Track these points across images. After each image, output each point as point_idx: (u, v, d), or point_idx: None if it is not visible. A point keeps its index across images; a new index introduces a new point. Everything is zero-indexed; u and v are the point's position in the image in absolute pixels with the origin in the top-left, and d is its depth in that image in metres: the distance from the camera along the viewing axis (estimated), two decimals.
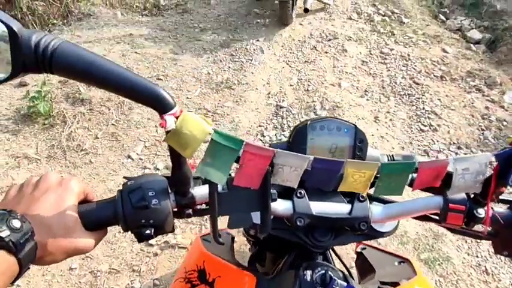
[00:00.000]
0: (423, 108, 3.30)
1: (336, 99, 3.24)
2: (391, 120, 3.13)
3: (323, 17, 4.53)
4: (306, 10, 4.26)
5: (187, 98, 3.22)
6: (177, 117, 0.49)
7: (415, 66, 3.84)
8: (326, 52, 3.90)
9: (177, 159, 0.55)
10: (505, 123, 3.19)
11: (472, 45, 4.39)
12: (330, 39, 4.10)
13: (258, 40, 3.98)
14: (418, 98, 3.39)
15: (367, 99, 3.32)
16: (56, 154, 2.62)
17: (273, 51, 3.87)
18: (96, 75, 0.47)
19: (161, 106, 0.49)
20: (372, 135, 2.93)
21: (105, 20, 4.14)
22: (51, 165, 2.56)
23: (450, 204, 0.62)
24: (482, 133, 3.09)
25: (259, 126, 2.98)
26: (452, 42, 4.35)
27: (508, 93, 3.72)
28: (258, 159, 0.51)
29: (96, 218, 0.55)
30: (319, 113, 3.09)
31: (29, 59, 0.44)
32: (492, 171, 0.56)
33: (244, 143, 0.49)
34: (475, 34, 4.71)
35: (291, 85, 3.44)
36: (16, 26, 0.43)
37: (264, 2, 4.49)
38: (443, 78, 3.74)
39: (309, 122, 0.71)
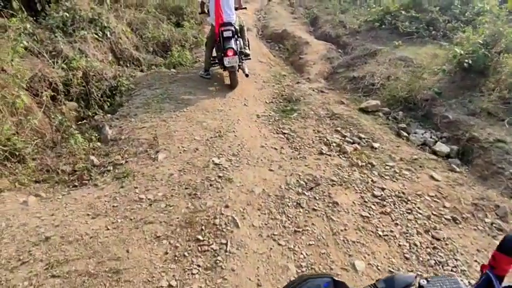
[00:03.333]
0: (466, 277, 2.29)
1: None
2: None
3: (292, 155, 3.61)
4: (247, 75, 5.17)
5: None
6: None
7: (420, 209, 2.94)
8: (314, 209, 2.86)
9: None
10: None
11: (453, 165, 3.74)
12: (311, 188, 3.11)
13: (227, 206, 2.83)
14: (454, 266, 2.40)
15: None
16: None
17: (249, 220, 2.72)
18: None
19: None
20: None
21: (10, 214, 2.70)
22: None
23: None
24: None
25: None
26: (433, 165, 3.65)
27: None
28: None
29: None
30: None
31: None
32: None
33: None
34: (443, 147, 4.14)
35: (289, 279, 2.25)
36: None
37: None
38: (456, 221, 2.87)
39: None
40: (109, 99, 5.11)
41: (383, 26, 7.40)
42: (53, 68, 4.94)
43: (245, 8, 5.60)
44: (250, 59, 5.41)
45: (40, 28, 5.51)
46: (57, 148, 3.68)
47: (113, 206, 2.77)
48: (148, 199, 2.87)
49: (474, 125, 4.26)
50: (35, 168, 3.26)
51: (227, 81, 5.12)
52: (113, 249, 2.37)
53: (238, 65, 4.87)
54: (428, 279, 0.70)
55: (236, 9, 5.05)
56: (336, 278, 0.67)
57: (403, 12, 7.21)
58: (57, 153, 3.58)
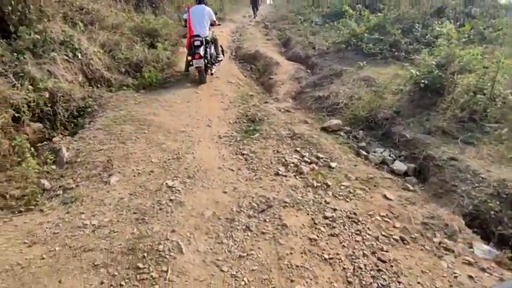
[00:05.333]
0: None
1: None
2: None
3: (248, 177, 3.52)
4: (212, 74, 6.43)
5: None
6: None
7: (369, 230, 2.87)
8: (263, 233, 2.75)
9: None
10: None
11: (407, 184, 3.72)
12: (263, 210, 3.02)
13: (173, 231, 2.70)
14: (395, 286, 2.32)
15: None
16: None
17: (195, 245, 2.59)
18: None
19: None
20: None
21: None
22: None
23: None
24: None
25: None
26: (388, 184, 3.62)
27: (475, 246, 2.90)
28: None
29: None
30: None
31: None
32: None
33: None
34: (400, 166, 4.14)
35: None
36: None
37: None
38: (404, 241, 2.80)
39: None
40: (75, 120, 4.98)
41: (349, 48, 7.54)
42: (17, 89, 4.80)
43: (219, 24, 6.96)
44: (221, 60, 6.86)
45: (10, 50, 5.38)
46: (10, 171, 3.50)
47: (54, 233, 2.61)
48: (93, 225, 2.72)
49: (430, 143, 4.28)
50: None
51: (197, 77, 6.22)
52: (43, 280, 2.20)
53: (208, 67, 6.22)
54: None
55: (212, 25, 6.37)
56: None
57: (366, 35, 7.37)
58: (8, 176, 3.39)
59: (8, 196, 3.12)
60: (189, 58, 6.21)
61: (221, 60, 6.82)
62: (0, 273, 2.21)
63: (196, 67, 6.00)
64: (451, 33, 6.25)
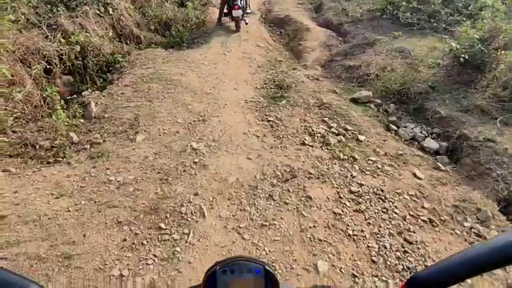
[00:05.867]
0: None
1: None
2: None
3: (273, 144, 3.29)
4: (246, 24, 6.65)
5: None
6: None
7: (396, 209, 2.63)
8: (286, 203, 2.57)
9: None
10: None
11: (438, 163, 3.39)
12: (287, 180, 2.82)
13: (196, 194, 2.56)
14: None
15: None
16: None
17: (217, 210, 2.45)
18: None
19: None
20: None
21: None
22: None
23: None
24: None
25: None
26: (418, 162, 3.31)
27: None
28: None
29: None
30: None
31: None
32: None
33: None
34: (432, 143, 3.78)
35: None
36: None
37: None
38: (433, 223, 2.56)
39: (218, 267, 0.58)
40: (104, 75, 4.82)
41: (384, 16, 6.82)
42: (50, 41, 4.65)
43: None
44: (251, 12, 7.39)
45: (44, 2, 5.17)
46: (40, 122, 3.42)
47: (80, 187, 2.53)
48: (118, 181, 2.61)
49: (466, 122, 3.86)
50: (12, 141, 3.01)
51: (233, 28, 6.44)
52: (69, 232, 2.14)
53: (242, 17, 6.41)
54: None
55: None
56: (268, 268, 0.59)
57: (404, 3, 6.61)
58: (39, 127, 3.33)
59: (38, 147, 3.06)
60: (225, 10, 6.57)
61: (250, 12, 7.27)
62: (28, 223, 2.16)
63: (235, 17, 6.30)
64: (497, 6, 5.47)
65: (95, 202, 2.41)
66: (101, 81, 4.54)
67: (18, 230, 2.10)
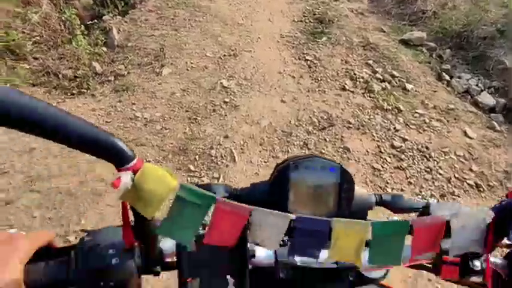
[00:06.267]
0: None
1: None
2: None
3: (310, 87, 3.01)
4: None
5: None
6: (135, 171, 0.35)
7: (441, 169, 2.42)
8: (322, 153, 2.41)
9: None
10: None
11: (493, 121, 3.05)
12: (323, 128, 2.61)
13: (226, 137, 2.42)
14: None
15: None
16: None
17: (248, 156, 2.33)
18: (40, 125, 0.32)
19: (117, 159, 0.35)
20: None
21: None
22: None
23: (443, 256, 0.49)
24: None
25: None
26: (471, 119, 2.98)
27: None
28: (231, 217, 0.37)
29: (45, 282, 0.38)
30: None
31: None
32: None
33: (215, 199, 0.36)
34: (487, 98, 3.36)
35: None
36: None
37: None
38: (480, 189, 2.36)
39: (291, 162, 0.53)
40: None
41: None
42: None
43: None
44: None
45: None
46: (61, 49, 3.24)
47: (106, 122, 2.44)
48: (145, 118, 2.50)
49: None
50: (34, 69, 2.89)
51: None
52: (98, 169, 2.10)
53: None
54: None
55: None
56: (345, 167, 0.53)
57: None
58: (60, 54, 3.15)
59: (60, 76, 2.92)
60: None
61: None
62: (56, 157, 2.12)
63: None
64: None
65: (122, 139, 2.33)
66: (123, 4, 4.18)
67: (47, 163, 2.08)
